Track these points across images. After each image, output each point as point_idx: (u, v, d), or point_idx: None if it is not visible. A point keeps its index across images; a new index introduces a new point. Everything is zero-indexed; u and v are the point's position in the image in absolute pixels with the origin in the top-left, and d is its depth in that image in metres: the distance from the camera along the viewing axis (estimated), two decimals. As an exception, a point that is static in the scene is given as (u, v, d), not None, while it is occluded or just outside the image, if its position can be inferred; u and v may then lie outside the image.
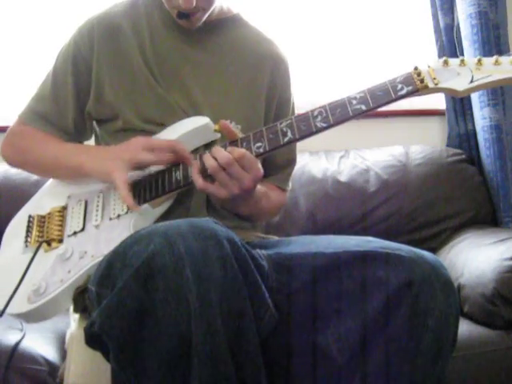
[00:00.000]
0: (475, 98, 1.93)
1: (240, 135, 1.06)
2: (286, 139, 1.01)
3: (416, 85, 0.99)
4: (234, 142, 1.05)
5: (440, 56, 1.98)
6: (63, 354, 1.17)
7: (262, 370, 0.85)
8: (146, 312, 0.78)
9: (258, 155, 1.01)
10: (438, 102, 2.07)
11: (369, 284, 0.93)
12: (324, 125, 1.00)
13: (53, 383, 1.13)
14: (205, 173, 1.01)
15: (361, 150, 1.94)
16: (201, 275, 0.78)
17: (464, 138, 2.00)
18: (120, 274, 0.82)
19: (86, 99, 1.18)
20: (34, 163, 1.22)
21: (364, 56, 2.06)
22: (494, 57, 0.99)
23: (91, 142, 1.28)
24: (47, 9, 1.96)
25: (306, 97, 1.84)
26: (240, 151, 0.98)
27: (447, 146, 2.01)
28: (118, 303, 0.80)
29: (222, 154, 0.98)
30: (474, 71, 0.99)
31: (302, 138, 1.01)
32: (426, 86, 0.99)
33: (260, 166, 1.01)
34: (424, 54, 2.05)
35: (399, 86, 0.99)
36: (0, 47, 1.96)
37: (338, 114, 0.99)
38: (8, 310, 1.04)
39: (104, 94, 1.16)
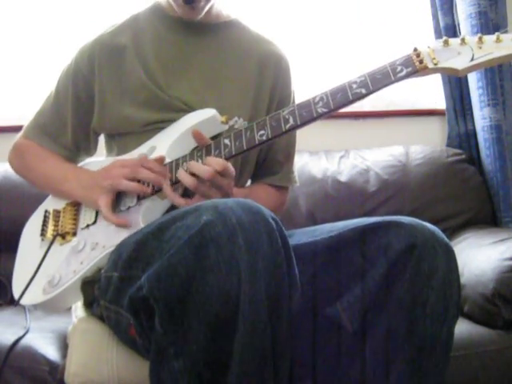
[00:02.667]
0: (475, 97, 1.93)
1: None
2: (287, 126, 1.03)
3: (415, 66, 0.99)
4: (208, 148, 1.08)
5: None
6: (64, 353, 1.17)
7: (290, 350, 0.87)
8: (195, 278, 0.80)
9: (260, 143, 1.04)
10: (438, 101, 2.07)
11: (372, 253, 0.96)
12: (325, 110, 1.01)
13: (53, 382, 1.13)
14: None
15: (361, 149, 1.94)
16: (252, 245, 0.81)
17: (464, 138, 2.00)
18: (159, 250, 0.85)
19: (85, 118, 1.23)
20: (32, 181, 1.30)
21: (364, 56, 2.06)
22: (495, 34, 0.98)
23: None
24: (48, 9, 1.96)
25: (303, 93, 1.83)
26: (221, 164, 1.02)
27: (447, 146, 2.01)
28: (168, 268, 0.82)
29: (202, 169, 1.03)
30: (474, 50, 0.98)
31: (304, 124, 1.03)
32: (426, 67, 0.99)
33: (230, 167, 1.05)
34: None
35: (399, 68, 1.00)
36: (0, 48, 1.96)
37: (338, 99, 1.01)
38: (24, 301, 1.10)
39: (107, 111, 1.19)
